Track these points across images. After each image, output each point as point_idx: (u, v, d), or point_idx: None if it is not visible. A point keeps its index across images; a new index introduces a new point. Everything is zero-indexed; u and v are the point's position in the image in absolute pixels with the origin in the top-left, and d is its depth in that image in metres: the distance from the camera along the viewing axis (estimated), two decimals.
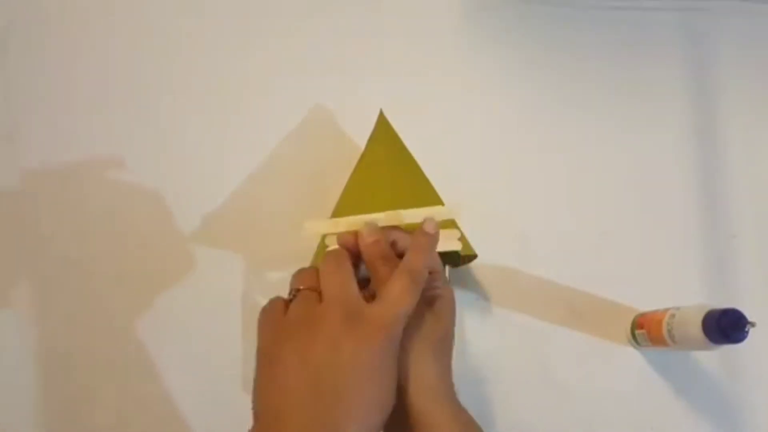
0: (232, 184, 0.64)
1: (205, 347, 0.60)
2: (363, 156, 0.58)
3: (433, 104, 0.66)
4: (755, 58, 0.69)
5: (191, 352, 0.59)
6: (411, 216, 0.47)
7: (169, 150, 0.65)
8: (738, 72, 0.68)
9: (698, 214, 0.64)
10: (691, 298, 0.54)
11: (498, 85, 0.68)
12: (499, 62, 0.69)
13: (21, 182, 0.64)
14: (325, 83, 0.66)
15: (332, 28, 0.69)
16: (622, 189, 0.65)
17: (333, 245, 0.54)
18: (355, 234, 0.46)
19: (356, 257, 0.46)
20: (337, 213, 0.56)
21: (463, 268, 0.60)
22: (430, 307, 0.45)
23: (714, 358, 0.60)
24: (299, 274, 0.45)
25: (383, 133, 0.59)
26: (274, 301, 0.44)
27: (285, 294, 0.45)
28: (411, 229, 0.47)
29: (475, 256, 0.56)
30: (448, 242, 0.51)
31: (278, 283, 0.61)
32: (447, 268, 0.57)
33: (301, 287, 0.43)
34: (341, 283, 0.42)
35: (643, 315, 0.58)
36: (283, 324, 0.41)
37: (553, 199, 0.64)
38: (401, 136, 0.59)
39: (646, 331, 0.56)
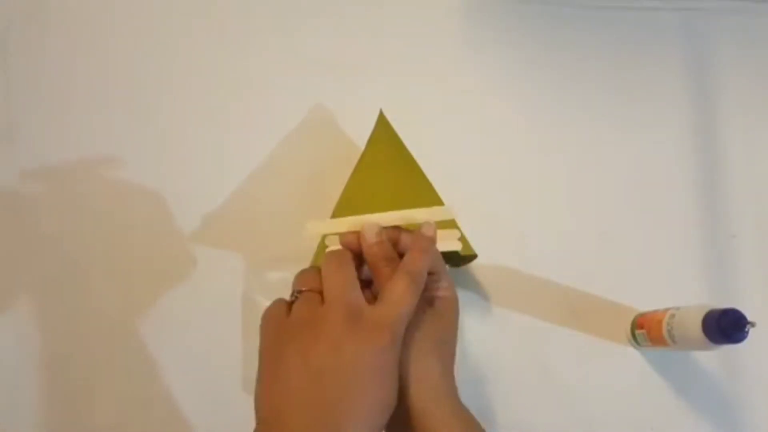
0: (232, 184, 0.64)
1: (205, 347, 0.60)
2: (363, 156, 0.58)
3: (433, 104, 0.66)
4: (755, 58, 0.69)
5: (191, 352, 0.59)
6: (411, 216, 0.47)
7: (169, 150, 0.65)
8: (738, 72, 0.68)
9: (698, 214, 0.64)
10: (691, 298, 0.54)
11: (498, 85, 0.68)
12: (499, 62, 0.69)
13: (21, 182, 0.64)
14: (325, 83, 0.66)
15: (332, 28, 0.69)
16: (622, 189, 0.65)
17: (333, 245, 0.54)
18: (358, 234, 0.46)
19: (359, 258, 0.46)
20: (337, 213, 0.56)
21: (463, 268, 0.60)
22: (434, 308, 0.45)
23: (714, 358, 0.60)
24: (301, 275, 0.45)
25: (383, 133, 0.59)
26: (277, 303, 0.44)
27: (286, 294, 0.45)
28: (412, 230, 0.47)
29: (475, 256, 0.56)
30: (448, 242, 0.51)
31: (278, 283, 0.61)
32: (447, 268, 0.57)
33: (304, 289, 0.43)
34: (343, 284, 0.42)
35: (643, 315, 0.58)
36: (285, 325, 0.41)
37: (553, 200, 0.64)
38: (401, 136, 0.59)
39: (646, 331, 0.56)
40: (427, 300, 0.45)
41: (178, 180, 0.64)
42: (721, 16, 0.70)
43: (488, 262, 0.61)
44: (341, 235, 0.47)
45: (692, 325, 0.49)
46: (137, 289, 0.61)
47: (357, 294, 0.41)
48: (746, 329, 0.47)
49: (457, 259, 0.57)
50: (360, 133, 0.59)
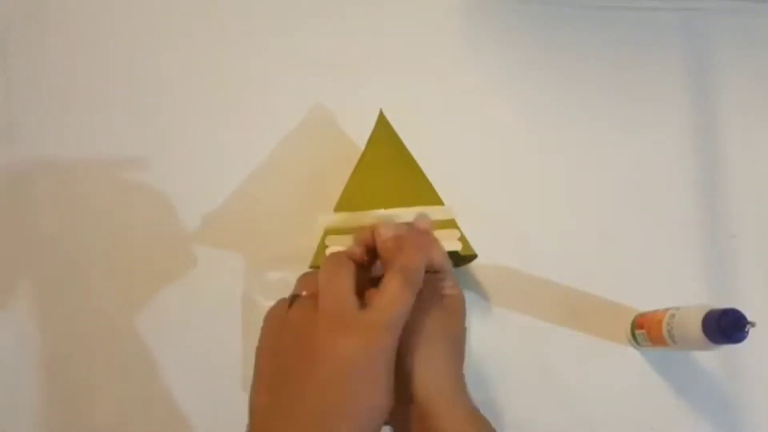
0: (232, 184, 0.64)
1: (205, 347, 0.60)
2: (363, 156, 0.58)
3: (433, 104, 0.66)
4: (755, 58, 0.69)
5: (191, 352, 0.59)
6: (412, 215, 0.47)
7: (169, 150, 0.65)
8: (738, 72, 0.68)
9: (698, 214, 0.64)
10: (691, 298, 0.54)
11: (498, 85, 0.68)
12: (499, 62, 0.69)
13: (21, 182, 0.64)
14: (325, 83, 0.66)
15: (332, 28, 0.69)
16: (622, 189, 0.65)
17: (333, 244, 0.55)
18: (372, 231, 0.45)
19: (373, 254, 0.45)
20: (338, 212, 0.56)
21: (463, 268, 0.60)
22: (442, 306, 0.45)
23: (714, 358, 0.60)
24: (302, 279, 0.45)
25: (383, 133, 0.59)
26: (279, 303, 0.44)
27: (286, 294, 0.45)
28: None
29: (475, 256, 0.56)
30: (448, 242, 0.51)
31: (278, 283, 0.61)
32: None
33: (303, 293, 0.43)
34: (337, 290, 0.41)
35: (643, 315, 0.58)
36: (282, 328, 0.41)
37: (553, 200, 0.64)
38: (401, 136, 0.59)
39: (646, 331, 0.56)
40: (434, 299, 0.45)
41: (178, 180, 0.64)
42: (721, 16, 0.70)
43: (488, 262, 0.61)
44: (356, 234, 0.46)
45: (692, 325, 0.49)
46: (137, 289, 0.61)
47: (351, 299, 0.41)
48: (746, 329, 0.47)
49: (457, 259, 0.57)
50: (360, 133, 0.59)
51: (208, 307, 0.61)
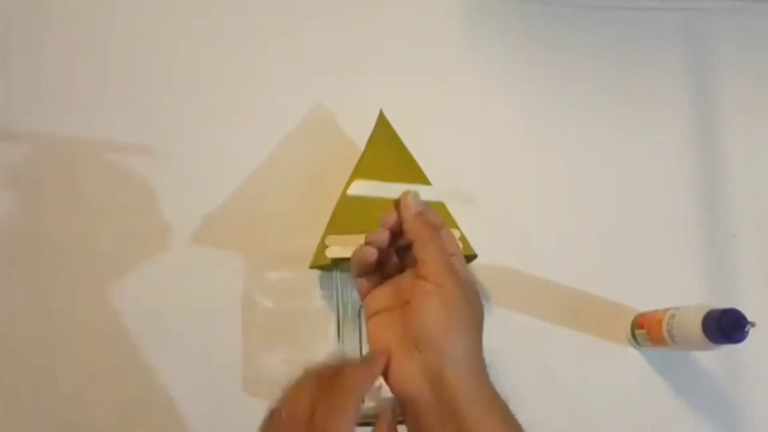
0: (232, 184, 0.64)
1: (205, 347, 0.60)
2: (363, 156, 0.58)
3: (433, 104, 0.66)
4: (755, 58, 0.69)
5: (191, 352, 0.59)
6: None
7: (169, 150, 0.65)
8: (738, 72, 0.68)
9: (698, 214, 0.64)
10: (691, 298, 0.54)
11: (498, 85, 0.68)
12: (499, 62, 0.69)
13: (21, 181, 0.64)
14: (325, 83, 0.66)
15: (332, 28, 0.69)
16: (622, 189, 0.65)
17: (332, 245, 0.55)
18: (396, 210, 0.42)
19: (396, 236, 0.43)
20: (337, 213, 0.56)
21: None
22: (462, 289, 0.43)
23: (714, 358, 0.60)
24: (289, 390, 0.39)
25: (383, 133, 0.59)
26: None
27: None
28: None
29: (475, 256, 0.56)
30: None
31: (278, 283, 0.61)
32: None
33: (282, 410, 0.38)
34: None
35: (643, 315, 0.58)
36: None
37: (553, 199, 0.64)
38: (401, 136, 0.59)
39: (646, 331, 0.56)
40: (453, 281, 0.42)
41: (178, 180, 0.64)
42: (721, 16, 0.70)
43: (488, 262, 0.61)
44: (382, 218, 0.44)
45: (692, 325, 0.49)
46: (137, 288, 0.61)
47: None
48: (746, 329, 0.47)
49: None
50: (360, 133, 0.59)
51: (208, 307, 0.61)
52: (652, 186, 0.65)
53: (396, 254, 0.45)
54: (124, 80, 0.67)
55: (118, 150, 0.64)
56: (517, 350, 0.60)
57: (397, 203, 0.43)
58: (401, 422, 0.40)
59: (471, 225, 0.56)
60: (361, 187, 0.47)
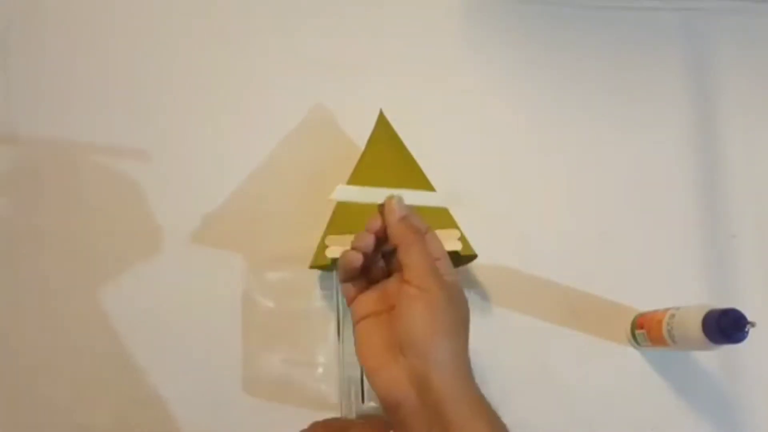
0: (232, 184, 0.64)
1: (205, 347, 0.60)
2: (363, 156, 0.58)
3: (433, 104, 0.66)
4: (755, 58, 0.69)
5: (191, 352, 0.59)
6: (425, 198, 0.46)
7: (169, 150, 0.65)
8: (738, 72, 0.68)
9: (698, 214, 0.64)
10: (691, 298, 0.54)
11: (498, 85, 0.68)
12: (499, 62, 0.69)
13: (21, 182, 0.64)
14: (325, 83, 0.66)
15: (332, 28, 0.69)
16: (622, 189, 0.65)
17: (332, 245, 0.55)
18: (380, 214, 0.43)
19: (381, 241, 0.43)
20: (338, 213, 0.56)
21: (463, 268, 0.60)
22: (447, 292, 0.43)
23: (714, 358, 0.60)
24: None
25: (383, 133, 0.59)
26: None
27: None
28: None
29: (475, 256, 0.56)
30: (448, 242, 0.51)
31: (278, 283, 0.61)
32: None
33: None
34: None
35: (643, 315, 0.58)
36: None
37: (553, 199, 0.64)
38: (401, 136, 0.59)
39: (646, 331, 0.56)
40: (437, 285, 0.43)
41: (178, 180, 0.64)
42: (721, 16, 0.70)
43: (488, 262, 0.61)
44: (367, 221, 0.44)
45: (692, 325, 0.49)
46: (137, 288, 0.61)
47: None
48: (746, 329, 0.47)
49: (457, 259, 0.57)
50: (360, 133, 0.59)
51: (208, 307, 0.61)
52: (652, 186, 0.65)
53: (383, 259, 0.45)
54: (124, 81, 0.67)
55: (117, 154, 0.64)
56: (517, 350, 0.60)
57: (381, 208, 0.43)
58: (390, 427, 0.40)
59: (471, 225, 0.56)
60: (344, 192, 0.47)
